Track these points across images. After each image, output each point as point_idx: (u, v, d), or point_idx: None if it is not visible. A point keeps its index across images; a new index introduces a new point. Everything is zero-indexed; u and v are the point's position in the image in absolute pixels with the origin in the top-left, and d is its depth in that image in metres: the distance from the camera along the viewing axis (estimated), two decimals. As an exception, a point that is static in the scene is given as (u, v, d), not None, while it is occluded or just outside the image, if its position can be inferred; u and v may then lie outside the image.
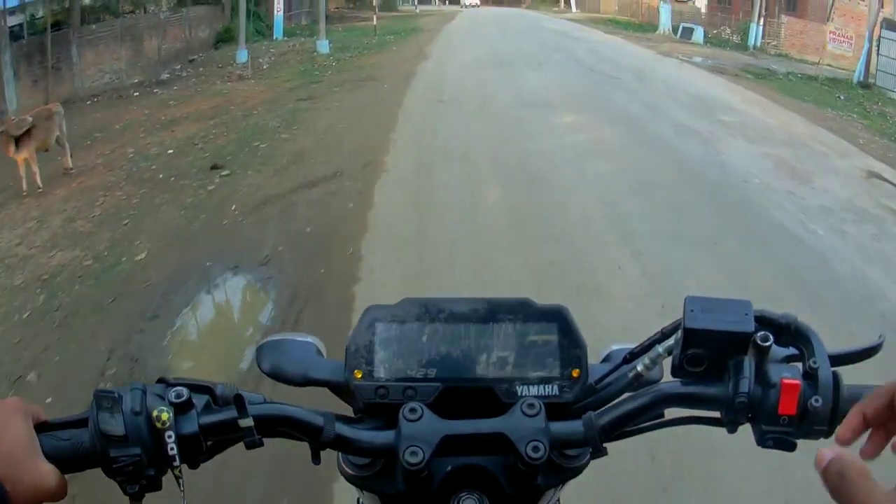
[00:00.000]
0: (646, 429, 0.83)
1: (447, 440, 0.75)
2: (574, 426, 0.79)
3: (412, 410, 0.76)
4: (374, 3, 30.54)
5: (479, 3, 66.39)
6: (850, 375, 0.77)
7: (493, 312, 0.84)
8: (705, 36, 31.15)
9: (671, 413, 0.82)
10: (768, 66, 22.28)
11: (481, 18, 37.68)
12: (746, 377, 0.75)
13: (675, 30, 33.27)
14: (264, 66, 19.65)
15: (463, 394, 0.81)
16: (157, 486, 0.72)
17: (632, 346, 0.84)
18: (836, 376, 0.75)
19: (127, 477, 0.71)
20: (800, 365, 0.77)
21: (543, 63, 17.60)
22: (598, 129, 10.38)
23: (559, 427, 0.78)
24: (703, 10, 42.92)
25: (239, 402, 0.73)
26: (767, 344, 0.75)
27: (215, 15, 27.12)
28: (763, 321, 0.78)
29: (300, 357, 0.91)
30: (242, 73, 18.18)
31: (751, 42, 30.04)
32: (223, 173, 8.70)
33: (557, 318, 0.84)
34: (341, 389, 0.86)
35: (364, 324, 0.83)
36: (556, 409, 0.81)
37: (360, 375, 0.81)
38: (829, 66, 29.19)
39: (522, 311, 0.84)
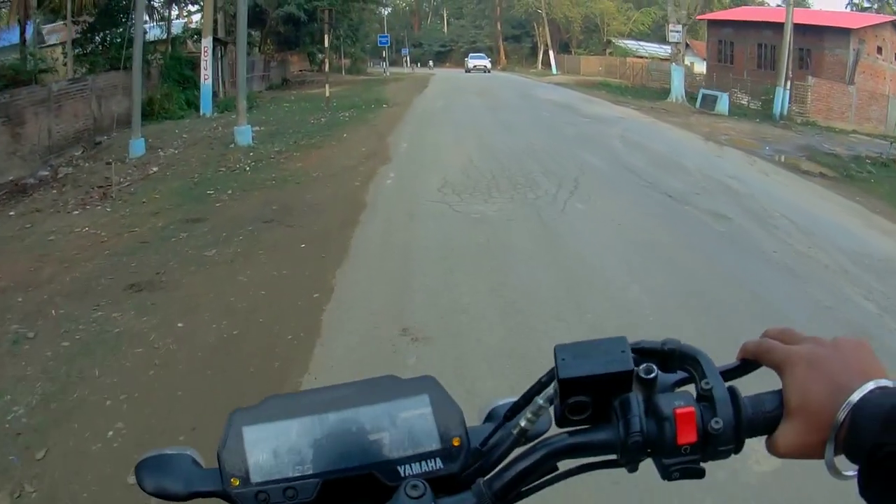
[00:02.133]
0: (543, 485, 0.72)
1: None
2: (464, 498, 0.69)
3: None
4: (326, 70, 22.82)
5: (488, 66, 50.74)
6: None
7: (358, 396, 0.75)
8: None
9: (567, 463, 0.71)
10: (819, 145, 16.79)
11: (459, 85, 29.98)
12: (636, 414, 0.66)
13: (690, 97, 26.37)
14: (152, 170, 12.27)
15: (347, 484, 0.71)
16: None
17: (514, 399, 0.74)
18: (732, 392, 0.67)
19: None
20: (692, 388, 0.68)
21: (582, 180, 10.00)
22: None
23: (450, 503, 0.69)
24: (703, 69, 36.48)
25: None
26: (651, 376, 0.66)
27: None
28: (644, 352, 0.70)
29: (179, 471, 0.75)
30: (108, 189, 10.86)
31: (776, 109, 23.52)
32: None
33: (426, 389, 0.75)
34: (227, 497, 0.72)
35: (231, 430, 0.72)
36: (445, 483, 0.71)
37: (237, 483, 0.70)
38: (856, 133, 23.14)
39: (389, 388, 0.75)
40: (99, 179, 11.77)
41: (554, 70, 50.34)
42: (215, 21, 22.29)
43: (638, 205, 8.74)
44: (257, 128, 16.13)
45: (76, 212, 9.78)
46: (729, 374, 0.71)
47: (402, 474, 0.71)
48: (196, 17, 32.66)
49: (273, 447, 0.72)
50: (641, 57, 44.25)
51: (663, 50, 47.46)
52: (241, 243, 7.39)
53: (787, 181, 11.54)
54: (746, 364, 0.73)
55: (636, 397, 0.67)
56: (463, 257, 6.51)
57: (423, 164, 11.19)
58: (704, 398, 0.67)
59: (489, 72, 48.74)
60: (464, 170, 10.57)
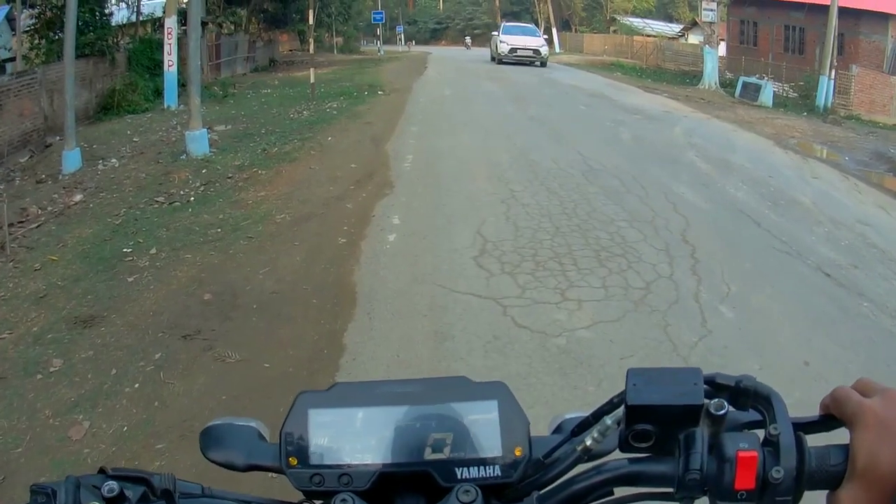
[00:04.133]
0: None
1: None
2: None
3: (343, 501, 0.64)
4: (311, 51, 18.73)
5: (544, 51, 26.08)
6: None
7: (428, 393, 0.70)
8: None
9: (622, 489, 0.67)
10: (887, 150, 13.75)
11: (464, 67, 25.67)
12: (698, 451, 0.61)
13: (725, 84, 22.68)
14: (76, 198, 8.62)
15: (401, 478, 0.68)
16: None
17: (585, 414, 0.68)
18: (799, 441, 0.61)
19: None
20: (760, 432, 0.63)
21: (693, 238, 6.21)
22: None
23: None
24: (723, 52, 32.62)
25: (167, 496, 0.64)
26: (722, 412, 0.61)
27: (99, 71, 16.02)
28: (717, 386, 0.64)
29: (242, 442, 0.74)
30: (4, 241, 7.10)
31: (820, 101, 19.91)
32: None
33: (497, 395, 0.70)
34: (283, 474, 0.70)
35: (297, 410, 0.70)
36: (500, 491, 0.68)
37: (295, 462, 0.68)
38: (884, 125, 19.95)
39: (459, 389, 0.71)
40: (17, 209, 8.22)
41: (557, 48, 46.14)
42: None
43: (803, 304, 5.11)
44: (222, 126, 12.32)
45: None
46: (806, 426, 0.64)
47: (459, 476, 0.67)
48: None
49: (335, 432, 0.69)
50: (649, 35, 40.30)
51: (670, 28, 43.69)
52: (132, 402, 3.87)
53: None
54: (827, 420, 0.64)
55: (702, 433, 0.62)
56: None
57: (441, 198, 7.39)
58: (770, 443, 0.61)
59: (544, 64, 25.56)
60: (506, 212, 6.78)
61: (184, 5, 16.10)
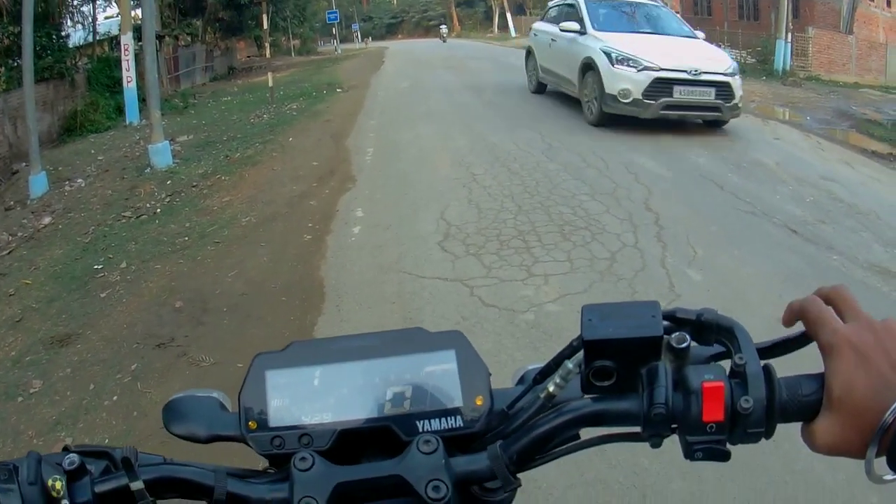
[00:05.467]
0: (561, 453, 0.66)
1: (341, 487, 0.62)
2: (478, 459, 0.64)
3: (303, 459, 0.62)
4: (268, 56, 18.62)
5: (729, 74, 9.66)
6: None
7: (384, 346, 0.69)
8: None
9: (589, 432, 0.64)
10: (848, 108, 14.08)
11: (419, 58, 25.52)
12: (662, 385, 0.59)
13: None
14: (45, 221, 8.66)
15: (363, 436, 0.67)
16: None
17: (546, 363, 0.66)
18: (767, 370, 0.59)
19: None
20: (727, 364, 0.61)
21: (655, 205, 6.34)
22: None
23: (462, 462, 0.64)
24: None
25: (127, 465, 0.61)
26: (684, 345, 0.59)
27: (60, 93, 15.99)
28: (678, 321, 0.64)
29: (204, 413, 0.73)
30: None
31: (778, 65, 20.10)
32: None
33: (454, 345, 0.69)
34: (243, 441, 0.69)
35: (254, 374, 0.69)
36: (465, 442, 0.66)
37: (254, 426, 0.67)
38: (860, 85, 20.23)
39: (415, 340, 0.70)
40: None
41: (513, 33, 46.12)
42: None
43: (772, 262, 5.19)
44: (184, 137, 12.25)
45: None
46: (770, 350, 0.65)
47: (420, 429, 0.65)
48: (138, 12, 27.94)
49: (293, 393, 0.67)
50: (605, 14, 40.37)
51: (625, 6, 43.86)
52: (112, 414, 3.83)
53: (879, 176, 8.25)
54: (789, 341, 0.65)
55: (664, 367, 0.60)
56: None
57: (403, 189, 7.40)
58: (737, 374, 0.59)
59: (727, 121, 10.16)
60: (468, 195, 6.81)
61: (139, 21, 15.89)
